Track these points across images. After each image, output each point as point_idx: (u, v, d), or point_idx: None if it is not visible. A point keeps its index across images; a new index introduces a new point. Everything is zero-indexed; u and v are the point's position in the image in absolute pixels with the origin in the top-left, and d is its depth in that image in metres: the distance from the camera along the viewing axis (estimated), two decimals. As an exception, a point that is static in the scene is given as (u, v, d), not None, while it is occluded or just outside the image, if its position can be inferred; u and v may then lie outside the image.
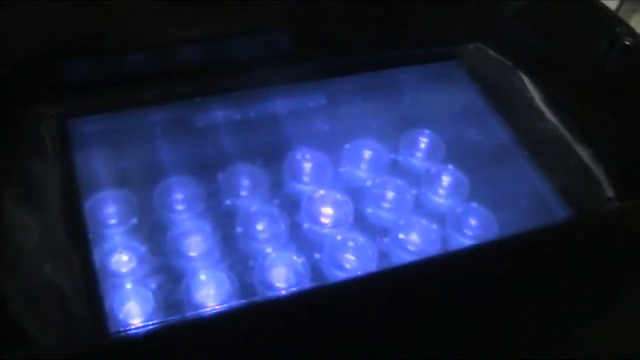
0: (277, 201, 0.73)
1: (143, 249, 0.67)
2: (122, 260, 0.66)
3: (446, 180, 0.77)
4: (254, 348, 0.49)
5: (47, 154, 0.67)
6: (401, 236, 0.71)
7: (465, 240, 0.72)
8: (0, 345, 0.51)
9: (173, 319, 0.63)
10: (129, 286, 0.65)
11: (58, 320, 0.55)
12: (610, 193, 0.70)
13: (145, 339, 0.54)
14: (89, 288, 0.58)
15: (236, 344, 0.49)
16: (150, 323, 0.62)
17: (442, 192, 0.76)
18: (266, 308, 0.56)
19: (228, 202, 0.72)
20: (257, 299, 0.65)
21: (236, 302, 0.65)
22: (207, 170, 0.73)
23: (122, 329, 0.61)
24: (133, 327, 0.62)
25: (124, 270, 0.66)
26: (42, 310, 0.55)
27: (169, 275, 0.66)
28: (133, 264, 0.66)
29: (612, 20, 0.80)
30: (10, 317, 0.53)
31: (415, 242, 0.71)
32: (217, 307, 0.64)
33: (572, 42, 0.81)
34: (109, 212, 0.69)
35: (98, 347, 0.51)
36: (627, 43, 0.75)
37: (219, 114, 0.78)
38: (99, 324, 0.56)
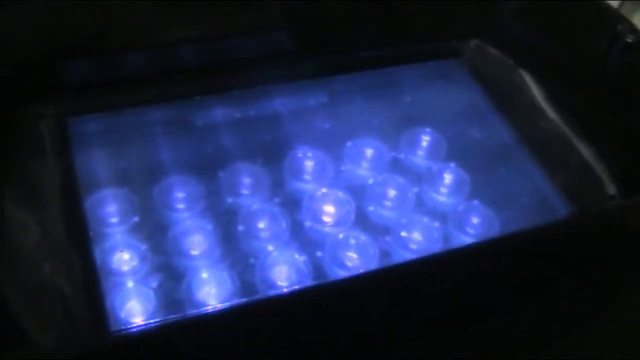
0: (278, 199, 0.73)
1: (144, 247, 0.67)
2: (123, 258, 0.66)
3: (447, 178, 0.76)
4: (255, 346, 0.49)
5: (47, 154, 0.67)
6: (403, 234, 0.71)
7: (466, 238, 0.72)
8: (0, 345, 0.51)
9: (174, 317, 0.63)
10: (130, 284, 0.65)
11: (58, 320, 0.55)
12: (611, 191, 0.69)
13: (146, 337, 0.54)
14: (90, 287, 0.58)
15: (237, 342, 0.49)
16: (151, 321, 0.62)
17: (443, 190, 0.76)
18: (267, 306, 0.55)
19: (229, 201, 0.72)
20: (258, 297, 0.65)
21: (237, 301, 0.65)
22: (208, 169, 0.73)
23: (123, 328, 0.61)
24: (134, 325, 0.62)
25: (125, 268, 0.66)
26: (42, 310, 0.55)
27: (170, 273, 0.66)
28: (134, 263, 0.66)
29: (614, 17, 0.80)
30: (10, 317, 0.53)
31: (416, 240, 0.71)
32: (218, 306, 0.64)
33: (573, 40, 0.81)
34: (110, 210, 0.69)
35: (99, 347, 0.51)
36: (629, 40, 0.75)
37: (220, 113, 0.78)
38: (99, 322, 0.56)
